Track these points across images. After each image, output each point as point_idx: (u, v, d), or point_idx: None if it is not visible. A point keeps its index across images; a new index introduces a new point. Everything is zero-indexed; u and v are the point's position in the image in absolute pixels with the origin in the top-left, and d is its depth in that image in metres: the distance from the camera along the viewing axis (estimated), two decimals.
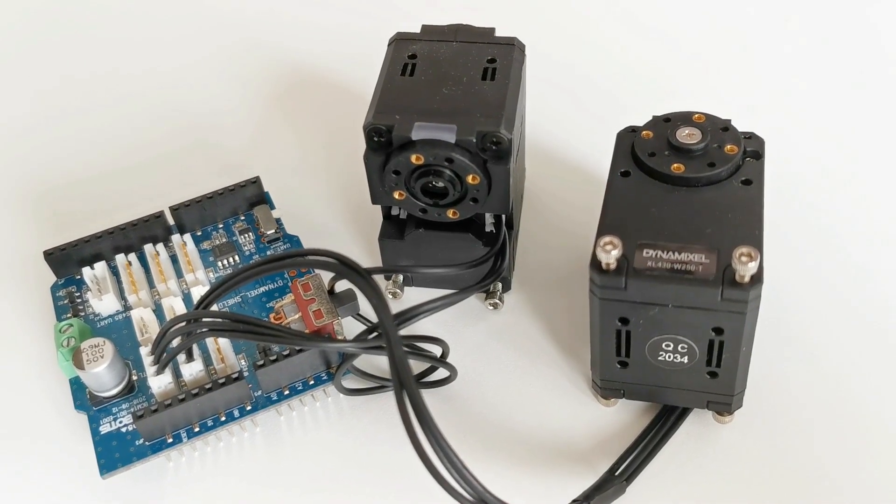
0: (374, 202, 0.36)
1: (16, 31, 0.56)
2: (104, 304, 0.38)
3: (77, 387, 0.36)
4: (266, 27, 0.55)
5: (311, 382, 0.35)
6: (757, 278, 0.29)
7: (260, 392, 0.35)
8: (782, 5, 0.53)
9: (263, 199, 0.42)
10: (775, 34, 0.52)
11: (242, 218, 0.41)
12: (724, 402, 0.33)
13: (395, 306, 0.37)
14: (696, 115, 0.34)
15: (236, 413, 0.34)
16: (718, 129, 0.34)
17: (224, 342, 0.35)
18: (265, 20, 0.55)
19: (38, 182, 0.46)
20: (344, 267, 0.32)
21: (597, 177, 0.42)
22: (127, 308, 0.38)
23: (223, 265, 0.40)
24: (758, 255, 0.29)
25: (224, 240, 0.40)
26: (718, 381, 0.32)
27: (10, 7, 0.57)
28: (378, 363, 0.37)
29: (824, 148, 0.45)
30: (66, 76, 0.52)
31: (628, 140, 0.34)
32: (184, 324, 0.33)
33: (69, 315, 0.38)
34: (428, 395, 0.35)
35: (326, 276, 0.35)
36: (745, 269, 0.29)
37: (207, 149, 0.47)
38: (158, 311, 0.38)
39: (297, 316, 0.35)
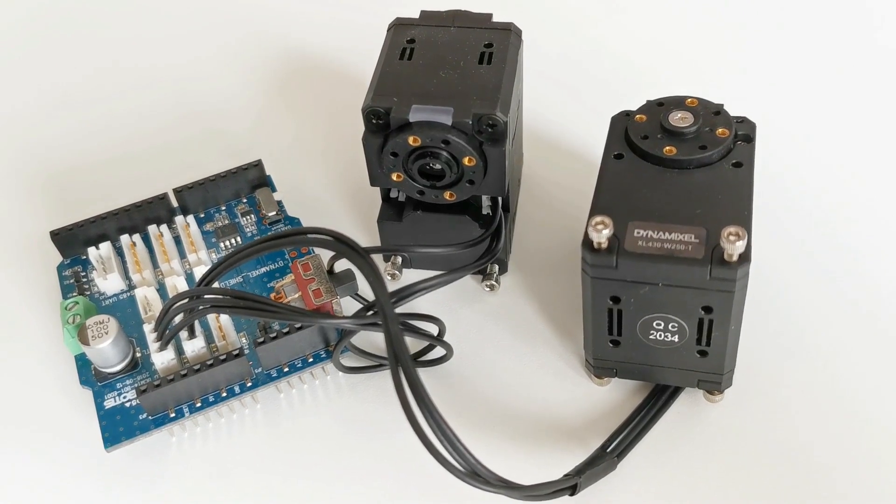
0: (372, 184, 0.37)
1: (28, 23, 0.57)
2: (109, 283, 0.39)
3: (82, 363, 0.36)
4: (268, 13, 0.55)
5: (311, 360, 0.36)
6: (745, 257, 0.30)
7: (260, 369, 0.36)
8: None
9: (265, 182, 0.42)
10: (769, 21, 0.52)
11: (244, 200, 0.42)
12: (714, 381, 0.34)
13: (395, 286, 0.38)
14: (689, 100, 0.35)
15: (237, 389, 0.35)
16: (711, 113, 0.34)
17: (225, 319, 0.36)
18: (267, 6, 0.56)
19: (46, 166, 0.47)
20: (342, 245, 0.33)
21: (593, 161, 0.42)
22: (131, 287, 0.39)
23: (225, 246, 0.40)
24: (745, 234, 0.29)
25: (226, 221, 0.41)
26: (708, 359, 0.33)
27: (24, 0, 0.58)
28: (377, 342, 0.38)
29: (815, 132, 0.45)
30: (74, 65, 0.53)
31: (622, 124, 0.35)
32: (186, 300, 0.33)
33: (75, 294, 0.39)
34: (424, 374, 0.36)
35: (326, 257, 0.36)
36: (733, 248, 0.29)
37: (211, 133, 0.48)
38: (162, 290, 0.39)
39: (297, 295, 0.35)
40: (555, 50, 0.50)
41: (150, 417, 0.35)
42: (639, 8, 0.54)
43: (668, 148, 0.33)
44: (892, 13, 0.52)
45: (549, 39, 0.50)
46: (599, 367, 0.35)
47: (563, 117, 0.47)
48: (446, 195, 0.36)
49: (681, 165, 0.33)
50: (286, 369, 0.36)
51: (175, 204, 0.41)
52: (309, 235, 0.34)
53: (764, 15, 0.53)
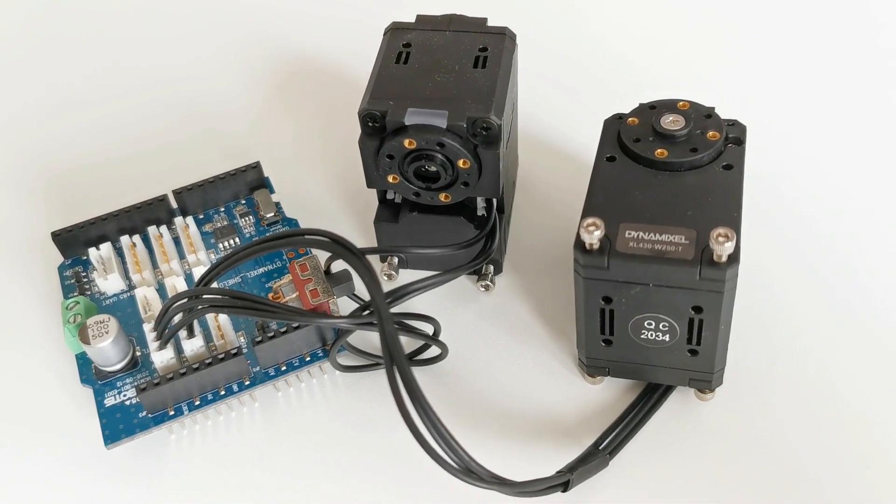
0: (369, 186, 0.38)
1: (30, 24, 0.57)
2: (109, 283, 0.39)
3: (83, 362, 0.37)
4: (266, 18, 0.56)
5: (308, 359, 0.36)
6: (734, 258, 0.30)
7: (258, 368, 0.36)
8: None
9: (263, 184, 0.43)
10: (763, 24, 0.53)
11: (243, 202, 0.43)
12: (705, 380, 0.35)
13: (390, 286, 0.38)
14: (681, 103, 0.35)
15: (235, 388, 0.36)
16: (702, 116, 0.35)
17: (224, 319, 0.37)
18: (265, 12, 0.56)
19: (47, 167, 0.48)
20: (338, 246, 0.33)
21: (587, 163, 0.42)
22: (131, 287, 0.40)
23: (224, 247, 0.41)
24: (734, 235, 0.30)
25: (225, 222, 0.42)
26: (699, 358, 0.34)
27: (25, 1, 0.59)
28: (373, 342, 0.38)
29: (806, 134, 0.46)
30: (74, 67, 0.54)
31: (615, 127, 0.35)
32: (185, 300, 0.34)
33: (76, 294, 0.39)
34: (420, 373, 0.37)
35: (323, 257, 0.36)
36: (723, 249, 0.30)
37: (210, 136, 0.48)
38: (161, 290, 0.39)
39: (294, 295, 0.36)
40: (550, 54, 0.51)
41: (149, 415, 0.35)
42: (632, 12, 0.54)
43: (659, 150, 0.34)
44: (888, 17, 0.53)
45: (544, 43, 0.51)
46: (592, 366, 0.36)
47: (558, 119, 0.47)
48: (442, 197, 0.37)
49: (672, 168, 0.33)
50: (284, 368, 0.36)
51: (174, 205, 0.42)
52: (306, 237, 0.34)
53: (759, 16, 0.53)
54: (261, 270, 0.40)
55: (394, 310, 0.34)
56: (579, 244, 0.31)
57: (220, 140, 0.48)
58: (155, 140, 0.48)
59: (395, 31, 0.38)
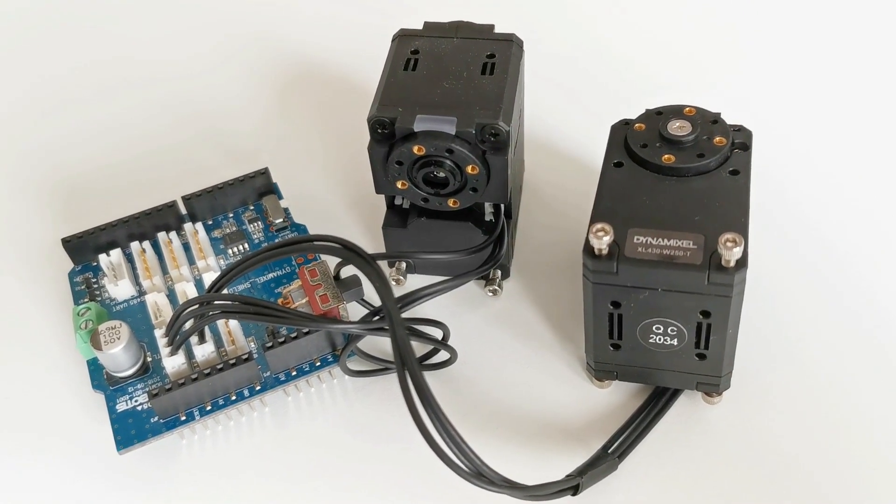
0: (378, 192, 0.38)
1: (32, 25, 0.58)
2: (120, 289, 0.39)
3: (94, 368, 0.37)
4: (276, 24, 0.56)
5: (318, 364, 0.37)
6: (742, 263, 0.30)
7: (268, 373, 0.36)
8: (775, 1, 0.54)
9: (272, 190, 0.43)
10: (767, 30, 0.53)
11: (252, 207, 0.43)
12: (713, 384, 0.35)
13: (398, 291, 0.38)
14: (687, 109, 0.35)
15: (246, 393, 0.36)
16: (708, 121, 0.35)
17: (234, 324, 0.37)
18: (275, 16, 0.57)
19: (56, 173, 0.48)
20: (348, 252, 0.33)
21: (594, 167, 0.43)
22: (141, 293, 0.40)
23: (233, 253, 0.41)
24: (742, 240, 0.30)
25: (234, 228, 0.42)
26: (706, 362, 0.34)
27: (27, 1, 0.59)
28: (382, 347, 0.38)
29: (811, 140, 0.46)
30: (81, 69, 0.54)
31: (622, 132, 0.36)
32: (196, 306, 0.34)
33: (86, 300, 0.40)
34: (429, 377, 0.37)
35: (332, 263, 0.37)
36: (731, 254, 0.30)
37: (218, 141, 0.49)
38: (172, 295, 0.39)
39: (304, 301, 0.36)
40: (556, 59, 0.51)
41: (161, 420, 0.35)
42: (638, 18, 0.54)
43: (666, 156, 0.34)
44: (892, 20, 0.53)
45: (550, 49, 0.51)
46: (600, 370, 0.36)
47: (565, 125, 0.48)
48: (450, 202, 0.37)
49: (679, 173, 0.34)
50: (294, 373, 0.36)
51: (184, 211, 0.42)
52: (316, 242, 0.35)
53: (764, 21, 0.53)
54: (270, 276, 0.40)
55: (403, 315, 0.35)
56: (588, 249, 0.32)
57: (229, 146, 0.48)
58: (164, 146, 0.48)
59: (402, 38, 0.39)
